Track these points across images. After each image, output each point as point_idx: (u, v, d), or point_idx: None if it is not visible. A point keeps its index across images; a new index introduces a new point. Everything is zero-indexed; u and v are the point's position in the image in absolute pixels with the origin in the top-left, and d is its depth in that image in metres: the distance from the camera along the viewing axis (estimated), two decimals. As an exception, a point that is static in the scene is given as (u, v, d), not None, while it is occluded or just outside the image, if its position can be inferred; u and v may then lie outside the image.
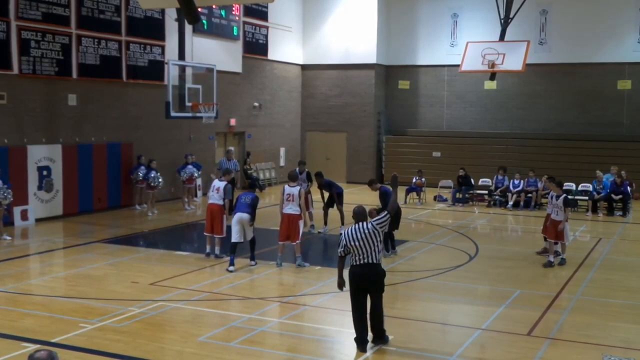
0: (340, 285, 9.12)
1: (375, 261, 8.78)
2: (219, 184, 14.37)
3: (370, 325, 9.01)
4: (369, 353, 8.87)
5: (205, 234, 14.47)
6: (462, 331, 9.97)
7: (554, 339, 9.49)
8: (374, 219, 9.10)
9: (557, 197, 14.29)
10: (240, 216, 13.42)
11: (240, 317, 10.24)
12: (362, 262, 8.77)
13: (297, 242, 13.69)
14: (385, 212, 9.08)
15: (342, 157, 30.31)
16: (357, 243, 8.77)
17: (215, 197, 14.22)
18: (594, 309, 11.04)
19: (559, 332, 9.81)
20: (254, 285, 12.43)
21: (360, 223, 8.97)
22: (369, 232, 8.81)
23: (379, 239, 8.84)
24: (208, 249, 14.43)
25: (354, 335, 8.97)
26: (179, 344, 9.04)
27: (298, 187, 13.95)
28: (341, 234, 9.19)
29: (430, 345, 9.33)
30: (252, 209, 13.51)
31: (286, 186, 14.01)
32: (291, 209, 13.75)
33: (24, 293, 11.54)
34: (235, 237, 13.40)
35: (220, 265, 13.67)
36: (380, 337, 9.08)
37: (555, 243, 14.16)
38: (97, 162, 20.26)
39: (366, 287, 8.84)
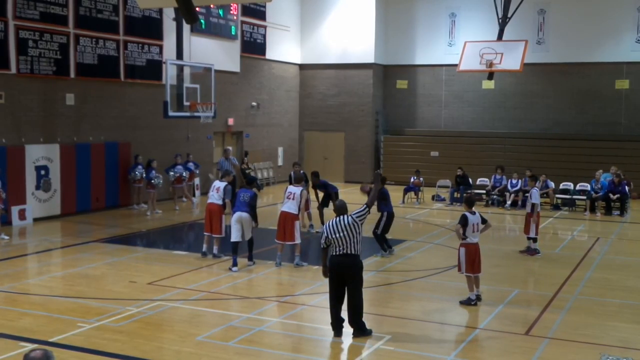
0: (325, 273, 9.57)
1: (354, 252, 9.31)
2: (219, 184, 14.44)
3: (349, 318, 9.39)
4: (366, 352, 8.89)
5: (204, 233, 14.46)
6: (460, 331, 9.98)
7: (552, 339, 9.49)
8: (354, 212, 9.49)
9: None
10: (239, 215, 13.41)
11: (239, 317, 10.24)
12: (341, 252, 9.28)
13: (294, 242, 13.71)
14: (364, 206, 9.56)
15: (340, 157, 30.32)
16: (337, 235, 9.26)
17: (215, 196, 14.25)
18: (592, 309, 11.05)
19: (557, 331, 9.81)
20: (252, 285, 12.43)
21: (341, 216, 9.45)
22: (348, 224, 9.29)
23: (358, 231, 9.33)
24: (204, 248, 14.41)
25: (337, 323, 9.42)
26: (177, 344, 9.03)
27: (300, 188, 14.02)
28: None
29: (428, 344, 9.33)
30: (251, 208, 13.47)
31: (290, 186, 14.23)
32: (288, 207, 13.78)
33: (22, 293, 11.52)
34: (234, 237, 13.39)
35: (219, 265, 13.67)
36: (361, 330, 9.37)
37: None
38: (95, 161, 20.24)
39: (344, 276, 9.30)
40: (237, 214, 13.42)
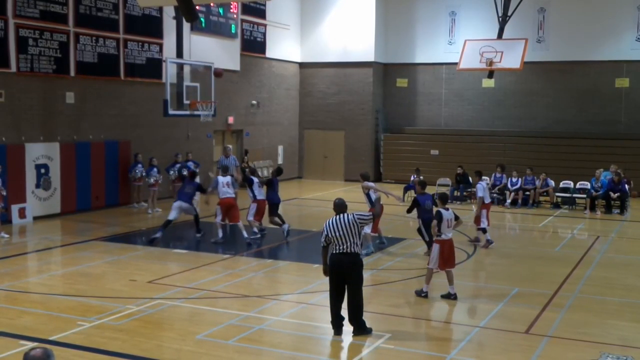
0: (326, 271, 9.54)
1: (354, 250, 9.28)
2: (225, 179, 15.70)
3: (349, 317, 9.40)
4: (366, 351, 8.89)
5: (218, 223, 15.79)
6: (460, 329, 9.98)
7: (551, 337, 9.49)
8: (358, 212, 9.50)
9: None
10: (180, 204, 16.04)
11: (238, 315, 10.24)
12: (341, 250, 9.25)
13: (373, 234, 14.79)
14: (370, 214, 9.67)
15: (340, 156, 30.31)
16: (337, 233, 9.25)
17: (228, 192, 15.63)
18: (591, 307, 11.06)
19: (557, 330, 9.81)
20: (252, 283, 12.43)
21: (342, 214, 9.42)
22: (349, 223, 9.27)
23: (358, 230, 9.32)
24: (221, 234, 15.75)
25: (338, 322, 9.42)
26: (177, 342, 9.03)
27: (372, 183, 15.14)
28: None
29: (428, 343, 9.34)
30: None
31: (369, 183, 14.95)
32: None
33: (22, 291, 11.53)
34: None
35: (218, 264, 13.70)
36: (362, 329, 9.38)
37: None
38: (94, 160, 20.24)
39: (344, 275, 9.31)
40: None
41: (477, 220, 15.89)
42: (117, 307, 10.52)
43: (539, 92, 28.06)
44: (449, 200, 22.88)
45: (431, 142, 28.89)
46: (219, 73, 20.01)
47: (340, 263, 9.26)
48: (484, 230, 15.81)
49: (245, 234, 15.51)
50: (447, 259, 11.32)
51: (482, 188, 15.87)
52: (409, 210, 14.65)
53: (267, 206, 16.40)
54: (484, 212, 15.74)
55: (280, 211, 16.75)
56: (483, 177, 16.82)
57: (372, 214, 9.71)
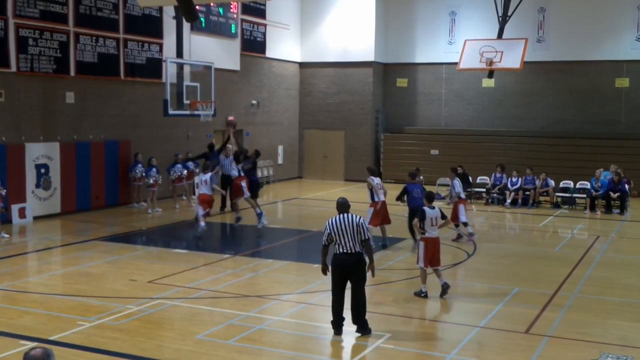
0: (324, 270, 9.59)
1: (357, 250, 9.26)
2: (205, 176, 16.40)
3: (352, 316, 9.40)
4: (366, 351, 8.89)
5: (201, 215, 16.51)
6: (460, 329, 9.97)
7: (551, 337, 9.49)
8: (363, 222, 9.40)
9: None
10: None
11: (239, 315, 10.24)
12: (345, 250, 9.22)
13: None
14: (369, 238, 9.45)
15: (340, 155, 30.31)
16: (340, 232, 9.22)
17: (205, 188, 16.40)
18: (591, 307, 11.06)
19: (557, 330, 9.81)
20: (252, 283, 12.43)
21: (345, 214, 9.39)
22: (351, 222, 9.26)
23: (360, 230, 9.28)
24: (203, 221, 16.59)
25: (338, 322, 9.41)
26: (177, 342, 9.03)
27: (378, 179, 15.40)
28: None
29: (428, 343, 9.35)
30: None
31: (374, 178, 15.26)
32: (380, 198, 15.18)
33: (22, 291, 11.53)
34: None
35: (218, 264, 13.69)
36: (363, 328, 9.37)
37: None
38: (95, 160, 20.23)
39: (347, 274, 9.30)
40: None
41: (455, 217, 16.00)
42: (117, 307, 10.52)
43: (539, 92, 28.07)
44: (450, 200, 23.16)
45: (431, 142, 28.89)
46: (233, 124, 20.03)
47: (344, 263, 9.21)
48: (465, 224, 16.05)
49: (202, 222, 16.40)
50: (432, 258, 11.35)
51: (458, 184, 16.27)
52: (399, 198, 15.32)
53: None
54: (461, 207, 16.02)
55: (279, 210, 16.82)
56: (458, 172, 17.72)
57: (368, 241, 9.46)
